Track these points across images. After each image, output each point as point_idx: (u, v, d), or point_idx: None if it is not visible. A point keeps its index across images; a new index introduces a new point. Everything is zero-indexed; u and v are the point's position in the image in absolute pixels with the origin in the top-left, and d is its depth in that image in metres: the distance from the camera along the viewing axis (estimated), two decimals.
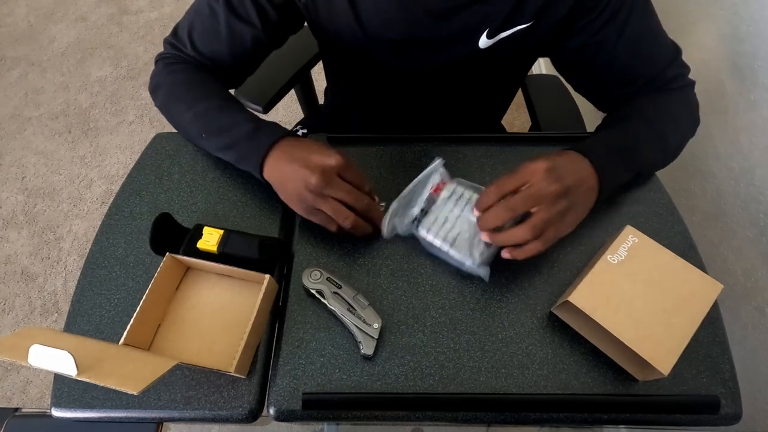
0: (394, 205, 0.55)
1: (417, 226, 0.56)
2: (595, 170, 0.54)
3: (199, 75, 0.65)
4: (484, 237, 0.51)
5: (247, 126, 0.58)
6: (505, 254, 0.51)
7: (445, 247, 0.54)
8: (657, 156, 0.61)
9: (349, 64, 0.77)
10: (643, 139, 0.59)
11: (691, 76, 0.64)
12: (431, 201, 0.57)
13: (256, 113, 0.63)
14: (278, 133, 0.57)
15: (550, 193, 0.49)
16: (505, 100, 0.88)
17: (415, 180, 0.57)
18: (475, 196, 0.56)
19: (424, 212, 0.56)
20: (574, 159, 0.54)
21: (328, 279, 0.53)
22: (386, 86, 0.76)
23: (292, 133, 0.58)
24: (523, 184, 0.50)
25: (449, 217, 0.55)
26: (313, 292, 0.53)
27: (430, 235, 0.55)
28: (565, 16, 0.59)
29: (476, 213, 0.52)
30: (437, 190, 0.57)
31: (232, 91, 0.72)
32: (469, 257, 0.53)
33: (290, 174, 0.54)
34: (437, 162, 0.58)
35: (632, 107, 0.63)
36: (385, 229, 0.55)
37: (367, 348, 0.50)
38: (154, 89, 0.66)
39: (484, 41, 0.61)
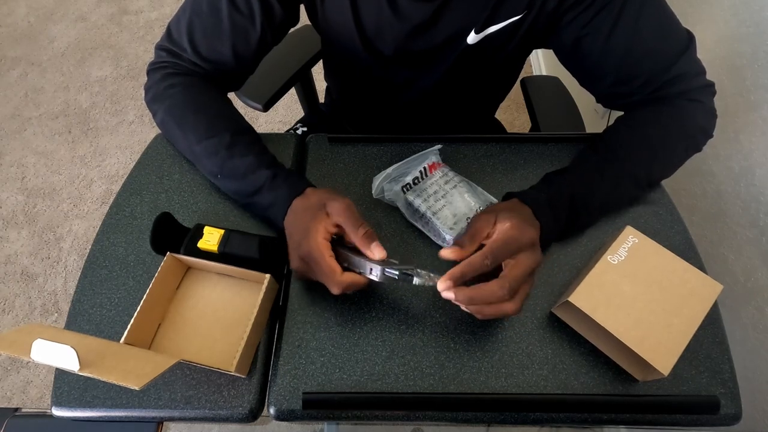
0: (388, 170, 0.61)
1: (406, 192, 0.59)
2: (542, 230, 0.51)
3: (200, 92, 0.63)
4: (446, 294, 0.45)
5: (264, 177, 0.56)
6: (468, 307, 0.46)
7: (429, 215, 0.57)
8: (619, 201, 0.60)
9: (348, 64, 0.78)
10: (604, 192, 0.56)
11: None
12: (424, 175, 0.60)
13: (257, 112, 0.63)
14: (291, 196, 0.55)
15: (526, 242, 0.47)
16: (499, 94, 0.88)
17: (413, 156, 0.62)
18: (466, 183, 0.60)
19: (416, 183, 0.60)
20: (527, 214, 0.51)
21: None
22: (383, 87, 0.77)
23: (303, 186, 0.56)
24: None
25: (438, 192, 0.59)
26: None
27: (417, 200, 0.58)
28: (554, 8, 0.58)
29: (446, 285, 0.45)
30: (432, 167, 0.61)
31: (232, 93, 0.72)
32: (449, 230, 0.56)
33: (289, 240, 0.53)
34: (436, 147, 0.64)
35: (612, 136, 0.60)
36: (374, 190, 0.61)
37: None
38: (152, 104, 0.64)
39: (472, 37, 0.62)
